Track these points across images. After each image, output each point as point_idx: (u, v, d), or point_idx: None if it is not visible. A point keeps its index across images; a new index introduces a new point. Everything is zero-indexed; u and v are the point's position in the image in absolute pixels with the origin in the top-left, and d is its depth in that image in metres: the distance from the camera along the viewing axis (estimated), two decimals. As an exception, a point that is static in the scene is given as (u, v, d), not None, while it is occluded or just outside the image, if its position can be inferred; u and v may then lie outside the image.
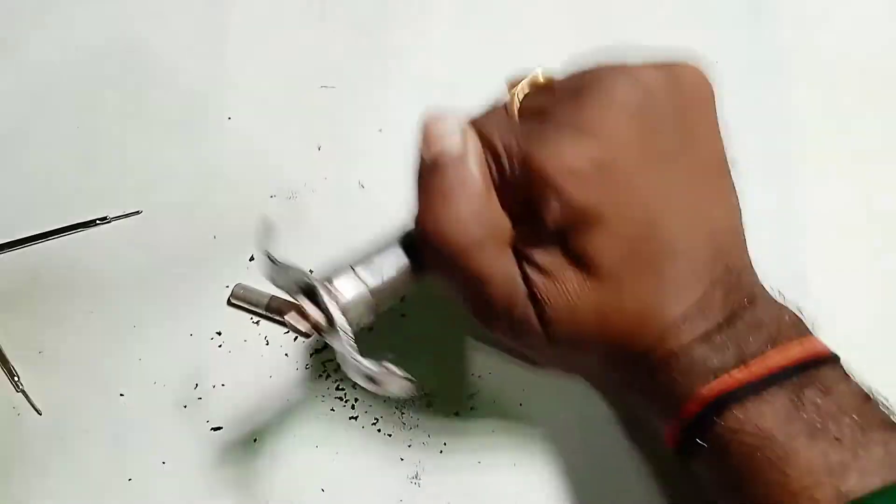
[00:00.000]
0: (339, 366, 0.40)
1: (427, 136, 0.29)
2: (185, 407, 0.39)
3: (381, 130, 0.47)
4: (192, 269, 0.43)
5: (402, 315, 0.41)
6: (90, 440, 0.39)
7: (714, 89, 0.30)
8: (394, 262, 0.30)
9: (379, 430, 0.38)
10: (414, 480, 0.37)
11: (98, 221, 0.44)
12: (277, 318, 0.41)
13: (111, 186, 0.45)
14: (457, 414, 0.39)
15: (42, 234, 0.44)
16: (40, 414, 0.40)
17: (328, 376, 0.40)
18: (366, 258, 0.30)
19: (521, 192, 0.27)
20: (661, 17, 0.49)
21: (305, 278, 0.29)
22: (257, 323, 0.41)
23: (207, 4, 0.50)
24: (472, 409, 0.39)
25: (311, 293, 0.28)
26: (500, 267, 0.28)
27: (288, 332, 0.41)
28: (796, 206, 0.43)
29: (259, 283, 0.41)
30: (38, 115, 0.48)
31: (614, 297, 0.27)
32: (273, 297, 0.41)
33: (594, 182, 0.26)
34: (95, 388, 0.40)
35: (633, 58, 0.30)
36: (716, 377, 0.26)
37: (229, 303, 0.42)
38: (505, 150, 0.28)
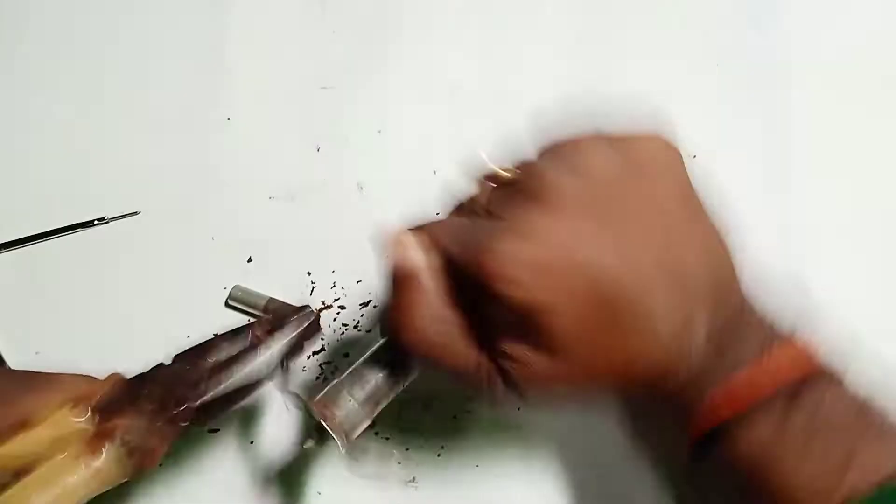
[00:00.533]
0: (336, 368, 0.40)
1: (390, 255, 0.31)
2: (183, 408, 0.39)
3: (380, 131, 0.46)
4: (190, 270, 0.43)
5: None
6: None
7: (679, 154, 0.30)
8: (378, 370, 0.32)
9: (376, 434, 0.38)
10: (411, 484, 0.37)
11: (96, 222, 0.44)
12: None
13: (110, 186, 0.45)
14: (455, 418, 0.39)
15: (41, 234, 0.44)
16: (38, 415, 0.40)
17: (325, 379, 0.40)
18: (353, 372, 0.32)
19: (477, 291, 0.29)
20: (661, 17, 0.49)
21: (306, 405, 0.31)
22: (255, 324, 0.41)
23: (207, 4, 0.50)
24: (469, 412, 0.39)
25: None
26: (471, 360, 0.30)
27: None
28: (796, 206, 0.43)
29: (257, 284, 0.42)
30: (38, 114, 0.48)
31: (584, 369, 0.28)
32: (271, 299, 0.41)
33: (535, 282, 0.27)
34: (93, 389, 0.40)
35: (598, 128, 0.30)
36: (709, 409, 0.28)
37: (227, 304, 0.42)
38: (457, 255, 0.30)
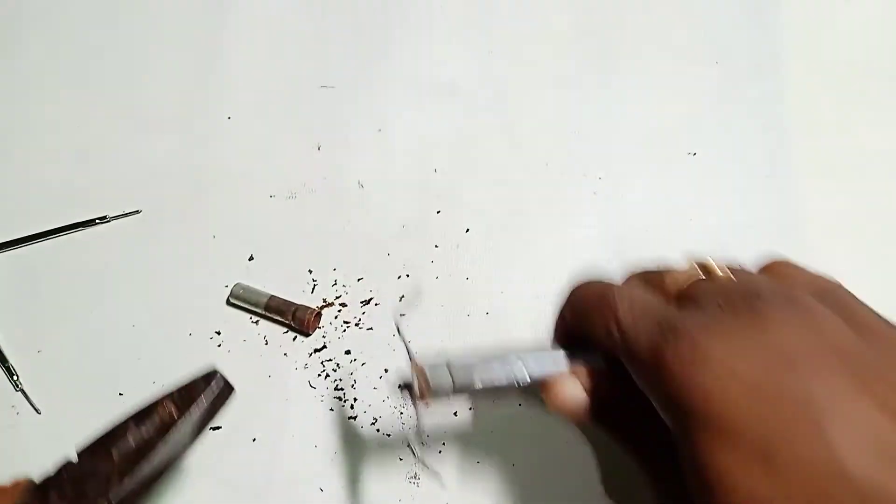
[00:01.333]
0: (338, 365, 0.40)
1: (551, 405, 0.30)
2: (184, 406, 0.39)
3: (380, 130, 0.47)
4: (192, 268, 0.43)
5: (402, 314, 0.41)
6: (89, 440, 0.39)
7: None
8: (508, 375, 0.29)
9: (378, 430, 0.38)
10: (413, 480, 0.37)
11: (98, 221, 0.44)
12: (276, 317, 0.41)
13: (111, 186, 0.45)
14: (455, 414, 0.39)
15: (42, 234, 0.44)
16: (39, 413, 0.40)
17: (327, 376, 0.40)
18: (493, 358, 0.29)
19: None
20: (661, 16, 0.49)
21: (414, 358, 0.30)
22: (256, 322, 0.41)
23: (207, 4, 0.50)
24: (470, 409, 0.39)
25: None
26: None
27: (287, 331, 0.41)
28: (796, 207, 0.43)
29: (258, 282, 0.42)
30: (38, 114, 0.48)
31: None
32: (272, 297, 0.41)
33: (719, 386, 0.24)
34: (95, 387, 0.40)
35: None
36: None
37: (228, 302, 0.42)
38: (635, 333, 0.27)
